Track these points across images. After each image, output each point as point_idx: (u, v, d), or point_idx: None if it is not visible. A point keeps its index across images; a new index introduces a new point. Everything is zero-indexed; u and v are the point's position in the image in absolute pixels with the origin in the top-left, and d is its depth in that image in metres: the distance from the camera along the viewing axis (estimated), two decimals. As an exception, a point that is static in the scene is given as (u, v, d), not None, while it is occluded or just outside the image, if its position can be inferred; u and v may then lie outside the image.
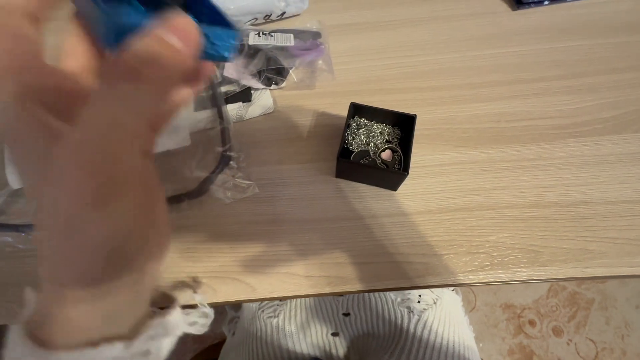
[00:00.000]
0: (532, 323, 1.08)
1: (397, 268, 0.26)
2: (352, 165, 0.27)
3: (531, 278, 0.25)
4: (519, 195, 0.28)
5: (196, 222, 0.28)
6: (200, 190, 0.27)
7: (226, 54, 0.15)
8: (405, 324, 0.43)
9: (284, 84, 0.32)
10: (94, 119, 0.12)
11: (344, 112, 0.29)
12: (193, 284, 0.26)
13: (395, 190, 0.28)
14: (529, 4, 0.37)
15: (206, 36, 0.14)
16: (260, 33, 0.32)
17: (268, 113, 0.32)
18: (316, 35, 0.35)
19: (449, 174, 0.29)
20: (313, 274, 0.26)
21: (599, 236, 0.26)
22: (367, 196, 0.28)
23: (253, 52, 0.32)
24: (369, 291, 0.26)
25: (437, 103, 0.32)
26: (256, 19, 0.36)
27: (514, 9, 0.38)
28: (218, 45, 0.15)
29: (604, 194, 0.28)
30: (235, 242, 0.27)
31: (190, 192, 0.27)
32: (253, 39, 0.32)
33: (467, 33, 0.36)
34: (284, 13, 0.36)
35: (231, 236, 0.27)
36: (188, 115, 0.31)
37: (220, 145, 0.29)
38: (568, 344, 1.07)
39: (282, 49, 0.32)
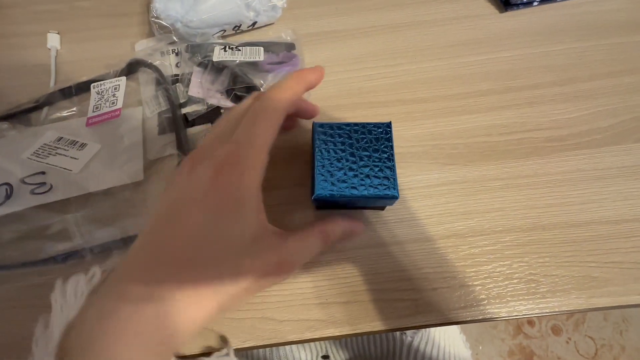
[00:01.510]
0: (530, 323, 1.07)
1: (385, 307, 0.23)
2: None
3: (532, 312, 0.23)
4: (515, 218, 0.26)
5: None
6: None
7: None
8: (398, 346, 0.42)
9: None
10: None
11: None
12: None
13: (382, 210, 0.26)
14: (517, 5, 0.35)
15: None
16: (227, 47, 0.30)
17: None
18: (290, 46, 0.32)
19: (438, 197, 0.27)
20: (290, 318, 0.23)
21: (602, 261, 0.24)
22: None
23: (219, 68, 0.29)
24: (354, 335, 0.23)
25: (422, 117, 0.30)
26: (224, 30, 0.33)
27: (501, 11, 0.35)
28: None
29: (606, 212, 0.26)
30: None
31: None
32: (218, 55, 0.29)
33: (453, 38, 0.34)
34: (255, 23, 0.33)
35: None
36: (146, 141, 0.28)
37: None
38: (567, 342, 1.06)
39: (252, 64, 0.29)
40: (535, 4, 0.35)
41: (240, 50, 0.30)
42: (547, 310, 0.23)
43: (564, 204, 0.26)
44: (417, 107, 0.30)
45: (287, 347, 0.44)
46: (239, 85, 0.28)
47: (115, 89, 0.30)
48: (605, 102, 0.30)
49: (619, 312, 1.06)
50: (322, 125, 0.25)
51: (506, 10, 0.35)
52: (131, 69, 0.31)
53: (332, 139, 0.24)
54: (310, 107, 0.25)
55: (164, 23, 0.30)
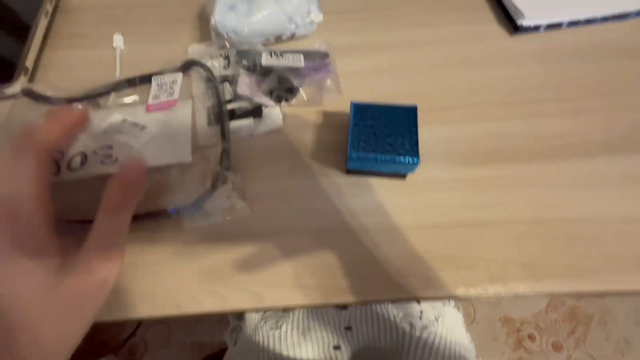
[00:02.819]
0: (531, 337, 1.08)
1: (399, 281, 0.27)
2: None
3: (528, 291, 0.26)
4: (517, 212, 0.29)
5: (197, 237, 0.29)
6: (195, 206, 0.29)
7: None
8: (407, 340, 0.44)
9: (293, 102, 0.34)
10: None
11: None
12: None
13: (404, 178, 0.31)
14: (525, 30, 0.39)
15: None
16: (272, 53, 0.34)
17: (277, 129, 0.34)
18: (324, 55, 0.37)
19: (449, 190, 0.31)
20: (319, 284, 0.27)
21: (592, 253, 0.28)
22: (370, 209, 0.30)
23: (266, 71, 0.33)
24: (371, 302, 0.27)
25: (437, 122, 0.34)
26: (268, 39, 0.38)
27: (511, 34, 0.40)
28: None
29: (597, 212, 0.29)
30: (241, 254, 0.28)
31: (184, 208, 0.28)
32: (266, 60, 0.34)
33: (466, 56, 0.38)
34: (293, 35, 0.38)
35: (238, 249, 0.29)
36: (196, 129, 0.33)
37: (219, 164, 0.30)
38: (568, 359, 1.06)
39: (293, 69, 0.34)
40: (542, 29, 0.39)
41: (283, 56, 0.34)
42: (541, 291, 0.26)
43: (560, 202, 0.30)
44: (434, 115, 0.34)
45: (297, 338, 0.46)
46: (283, 87, 0.33)
47: (173, 82, 0.35)
48: (601, 118, 0.34)
49: (621, 333, 1.07)
50: (358, 104, 0.30)
51: (515, 34, 0.39)
52: (186, 67, 0.36)
53: (365, 115, 0.29)
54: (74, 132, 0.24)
55: (220, 31, 0.35)
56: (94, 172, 0.30)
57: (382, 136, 0.28)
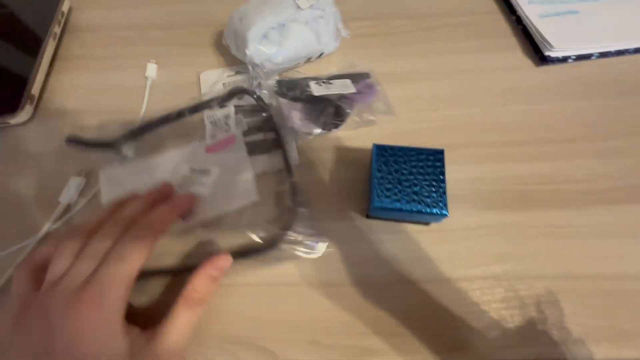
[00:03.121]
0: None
1: (424, 341, 0.25)
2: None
3: (560, 357, 0.24)
4: (548, 265, 0.27)
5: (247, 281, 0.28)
6: (269, 247, 0.27)
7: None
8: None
9: (342, 127, 0.33)
10: None
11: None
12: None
13: (428, 225, 0.29)
14: (553, 61, 0.37)
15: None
16: (320, 82, 0.33)
17: (292, 165, 0.32)
18: (365, 75, 0.35)
19: (475, 239, 0.29)
20: (339, 343, 0.25)
21: (634, 314, 0.26)
22: (392, 259, 0.28)
23: (311, 99, 0.32)
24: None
25: (462, 161, 0.32)
26: (299, 63, 0.37)
27: (537, 65, 0.38)
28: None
29: (638, 267, 0.27)
30: (269, 306, 0.27)
31: (257, 249, 0.27)
32: (317, 90, 0.32)
33: (491, 88, 0.36)
34: (321, 54, 0.37)
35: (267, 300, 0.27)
36: (254, 160, 0.31)
37: (289, 198, 0.29)
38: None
39: (344, 96, 0.33)
40: (570, 60, 0.38)
41: (332, 83, 0.33)
42: (579, 357, 0.24)
43: (595, 256, 0.28)
44: (457, 153, 0.32)
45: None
46: (341, 115, 0.32)
47: (226, 117, 0.33)
48: (637, 159, 0.32)
49: None
50: (380, 146, 0.28)
51: (542, 64, 0.38)
52: (232, 96, 0.34)
53: (389, 159, 0.27)
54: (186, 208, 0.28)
55: (257, 62, 0.34)
56: (176, 230, 0.28)
57: (407, 184, 0.26)
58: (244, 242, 0.28)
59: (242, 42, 0.34)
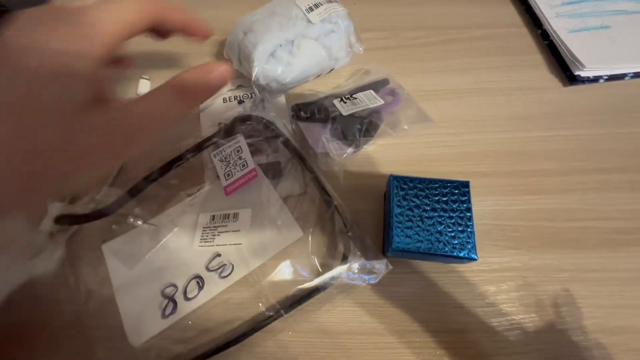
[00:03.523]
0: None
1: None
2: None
3: None
4: (581, 316, 0.25)
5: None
6: (331, 280, 0.25)
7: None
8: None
9: (373, 140, 0.31)
10: None
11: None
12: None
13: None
14: (583, 80, 0.34)
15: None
16: (344, 99, 0.30)
17: (296, 194, 0.29)
18: (384, 82, 0.33)
19: (498, 283, 0.26)
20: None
21: (678, 377, 0.23)
22: (408, 304, 0.25)
23: (347, 120, 0.29)
24: None
25: (483, 192, 0.29)
26: (308, 80, 0.34)
27: (565, 85, 0.35)
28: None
29: (681, 321, 0.24)
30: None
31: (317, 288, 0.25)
32: (345, 109, 0.29)
33: (515, 110, 0.33)
34: (332, 69, 0.35)
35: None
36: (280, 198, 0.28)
37: (333, 225, 0.27)
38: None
39: (373, 109, 0.30)
40: (602, 80, 0.34)
41: (356, 98, 0.30)
42: None
43: (634, 305, 0.25)
44: (478, 182, 0.29)
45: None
46: (374, 131, 0.29)
47: (237, 150, 0.29)
48: (678, 196, 0.29)
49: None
50: (398, 178, 0.25)
51: (570, 84, 0.35)
52: (237, 124, 0.31)
53: (408, 192, 0.25)
54: (199, 26, 0.21)
55: (262, 83, 0.31)
56: (216, 292, 0.25)
57: (431, 222, 0.23)
58: (300, 283, 0.25)
59: (246, 60, 0.31)
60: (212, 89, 0.17)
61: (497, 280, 0.26)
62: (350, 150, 0.29)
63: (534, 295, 0.25)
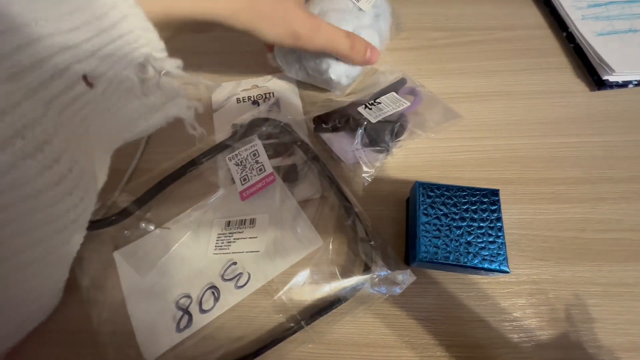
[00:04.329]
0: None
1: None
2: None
3: None
4: (615, 333, 0.23)
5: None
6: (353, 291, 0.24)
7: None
8: None
9: (400, 143, 0.30)
10: None
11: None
12: None
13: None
14: (611, 85, 0.33)
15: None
16: (368, 105, 0.29)
17: (313, 197, 0.28)
18: (401, 82, 0.32)
19: (527, 296, 0.25)
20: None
21: None
22: (431, 317, 0.24)
23: (375, 127, 0.28)
24: None
25: (510, 200, 0.28)
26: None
27: (592, 90, 0.33)
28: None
29: None
30: None
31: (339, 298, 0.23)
32: (372, 115, 0.28)
33: (542, 115, 0.32)
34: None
35: None
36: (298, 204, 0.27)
37: (354, 233, 0.26)
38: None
39: (400, 112, 0.29)
40: (631, 85, 0.33)
41: (380, 103, 0.29)
42: None
43: (670, 323, 0.24)
44: (504, 189, 0.28)
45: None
46: (401, 134, 0.29)
47: (254, 154, 0.28)
48: None
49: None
50: (425, 184, 0.24)
51: (598, 89, 0.33)
52: (252, 128, 0.30)
53: (435, 201, 0.23)
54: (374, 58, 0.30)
55: (334, 79, 0.30)
56: (232, 303, 0.24)
57: (459, 232, 0.22)
58: (321, 293, 0.24)
59: (314, 61, 0.29)
60: (363, 59, 0.29)
61: (525, 293, 0.25)
62: (382, 157, 0.28)
63: (563, 310, 0.24)
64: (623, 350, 0.23)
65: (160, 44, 0.18)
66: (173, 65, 0.19)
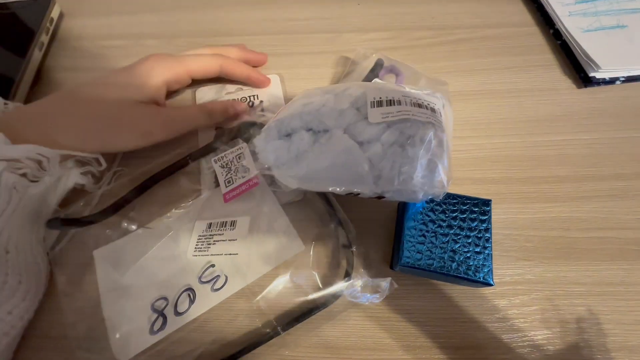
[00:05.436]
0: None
1: None
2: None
3: None
4: (599, 333, 0.23)
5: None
6: (332, 299, 0.23)
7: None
8: None
9: None
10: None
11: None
12: None
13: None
14: (598, 82, 0.33)
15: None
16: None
17: (296, 199, 0.28)
18: (379, 64, 0.32)
19: (510, 297, 0.24)
20: None
21: None
22: (416, 320, 0.24)
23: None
24: None
25: (494, 200, 0.27)
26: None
27: (579, 87, 0.33)
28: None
29: None
30: None
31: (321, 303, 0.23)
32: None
33: (526, 113, 0.32)
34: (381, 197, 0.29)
35: None
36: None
37: (336, 239, 0.26)
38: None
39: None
40: (618, 82, 0.33)
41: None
42: None
43: (655, 323, 0.23)
44: (488, 189, 0.28)
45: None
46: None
47: (239, 157, 0.27)
48: (701, 204, 0.27)
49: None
50: None
51: (585, 86, 0.33)
52: (241, 132, 0.29)
53: (425, 206, 0.23)
54: (256, 79, 0.33)
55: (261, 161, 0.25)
56: (209, 306, 0.23)
57: (445, 239, 0.22)
58: (300, 299, 0.24)
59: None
60: (229, 119, 0.30)
61: (510, 293, 0.24)
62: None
63: (549, 310, 0.24)
64: (609, 350, 0.23)
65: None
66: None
